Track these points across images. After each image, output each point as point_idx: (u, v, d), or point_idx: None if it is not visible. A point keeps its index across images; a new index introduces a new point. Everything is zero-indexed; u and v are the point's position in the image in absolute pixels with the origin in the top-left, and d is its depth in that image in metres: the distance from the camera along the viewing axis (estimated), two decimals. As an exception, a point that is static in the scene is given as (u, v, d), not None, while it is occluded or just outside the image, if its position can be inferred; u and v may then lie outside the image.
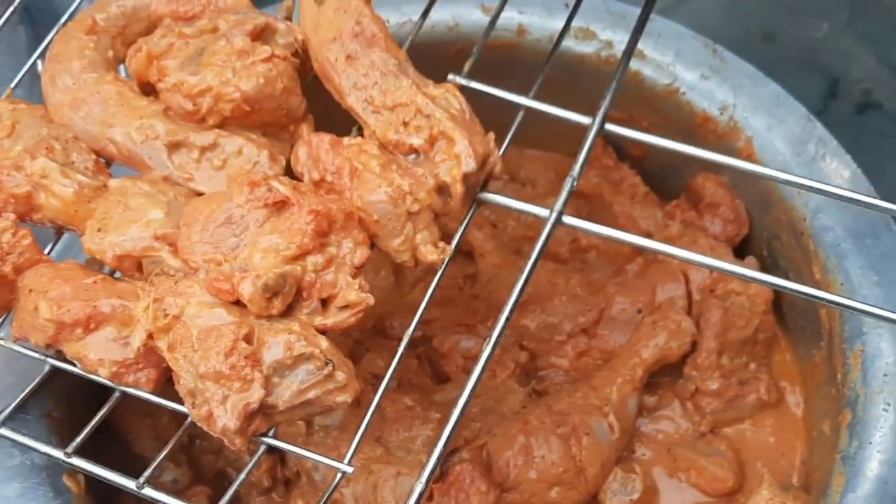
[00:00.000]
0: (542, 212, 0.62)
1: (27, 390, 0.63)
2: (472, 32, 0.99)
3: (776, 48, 1.27)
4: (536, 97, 0.68)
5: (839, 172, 0.90)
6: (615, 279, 0.98)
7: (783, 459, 0.91)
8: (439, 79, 0.69)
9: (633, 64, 0.98)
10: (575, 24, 0.99)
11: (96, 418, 0.60)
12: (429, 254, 0.61)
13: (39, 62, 0.69)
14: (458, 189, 0.62)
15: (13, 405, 0.61)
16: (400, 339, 0.61)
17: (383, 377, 0.59)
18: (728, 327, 0.92)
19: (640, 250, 1.00)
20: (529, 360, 0.94)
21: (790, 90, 0.96)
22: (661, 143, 0.65)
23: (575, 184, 0.62)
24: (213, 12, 0.65)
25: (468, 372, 0.90)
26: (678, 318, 0.92)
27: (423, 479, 0.53)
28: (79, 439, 0.58)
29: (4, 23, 0.68)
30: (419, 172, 0.62)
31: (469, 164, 0.62)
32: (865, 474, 0.78)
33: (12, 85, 0.68)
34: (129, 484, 0.55)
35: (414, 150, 0.63)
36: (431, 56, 0.72)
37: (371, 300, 0.59)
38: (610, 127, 0.65)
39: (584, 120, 0.65)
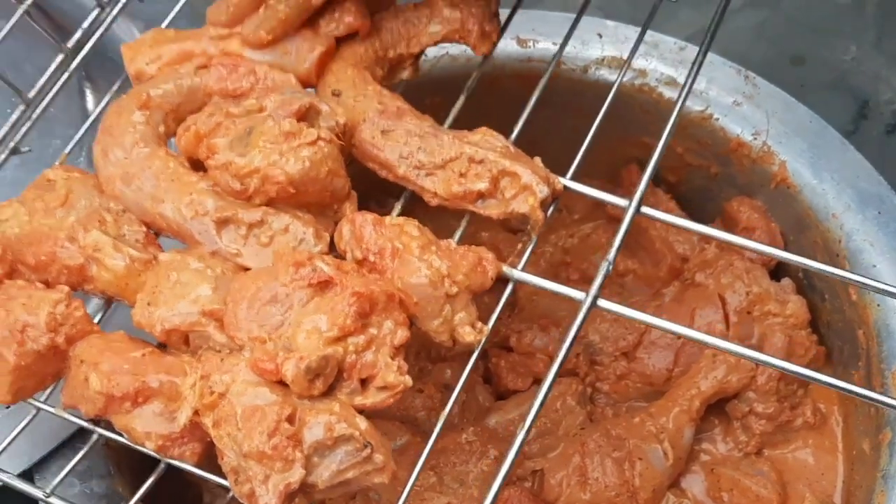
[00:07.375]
0: (577, 295, 0.63)
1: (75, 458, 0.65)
2: (506, 63, 1.02)
3: (805, 71, 1.29)
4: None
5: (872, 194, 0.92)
6: (653, 302, 1.00)
7: (824, 479, 0.92)
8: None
9: (668, 92, 1.01)
10: (608, 53, 1.02)
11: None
12: (466, 335, 0.63)
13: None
14: (539, 216, 0.66)
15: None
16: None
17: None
18: (791, 354, 0.93)
19: (675, 275, 1.02)
20: (593, 378, 0.97)
21: (820, 112, 0.98)
22: (697, 228, 0.67)
23: (610, 268, 0.63)
24: (262, 91, 0.66)
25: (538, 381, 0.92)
26: None
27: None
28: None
29: (60, 89, 0.70)
30: (458, 254, 0.64)
31: (543, 191, 0.66)
32: (906, 493, 0.79)
33: (66, 150, 0.70)
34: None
35: (480, 196, 0.67)
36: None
37: (409, 382, 0.60)
38: (646, 210, 0.66)
39: (620, 202, 0.67)
